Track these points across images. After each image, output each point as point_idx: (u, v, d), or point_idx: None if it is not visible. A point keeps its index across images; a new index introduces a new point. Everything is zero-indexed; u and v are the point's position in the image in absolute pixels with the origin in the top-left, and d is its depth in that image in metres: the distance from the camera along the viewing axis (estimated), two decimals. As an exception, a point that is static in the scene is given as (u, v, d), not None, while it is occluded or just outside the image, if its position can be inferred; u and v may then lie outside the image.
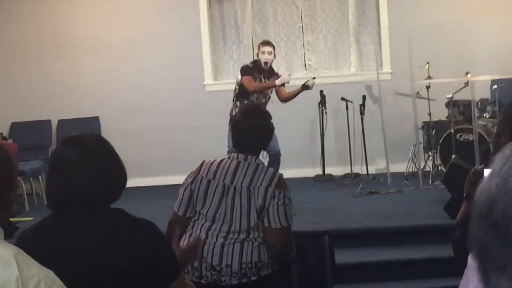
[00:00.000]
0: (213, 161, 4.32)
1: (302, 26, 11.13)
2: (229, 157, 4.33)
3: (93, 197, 2.72)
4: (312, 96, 10.30)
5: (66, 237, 2.72)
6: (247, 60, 10.82)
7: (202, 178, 4.24)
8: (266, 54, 8.48)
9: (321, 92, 10.28)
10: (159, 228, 2.91)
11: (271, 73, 8.59)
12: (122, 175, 2.84)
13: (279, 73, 8.81)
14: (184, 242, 4.18)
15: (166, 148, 10.94)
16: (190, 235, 4.20)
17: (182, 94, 10.61)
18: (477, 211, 1.10)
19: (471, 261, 2.05)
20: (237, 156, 4.28)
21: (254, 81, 8.45)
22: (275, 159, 8.31)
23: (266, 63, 8.48)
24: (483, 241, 1.09)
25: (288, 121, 10.71)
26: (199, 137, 10.59)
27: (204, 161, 4.35)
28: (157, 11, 11.07)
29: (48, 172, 2.90)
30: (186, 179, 4.32)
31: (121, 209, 2.83)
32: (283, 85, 8.55)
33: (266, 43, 8.73)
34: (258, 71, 8.52)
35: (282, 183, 4.26)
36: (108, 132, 10.82)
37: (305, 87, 8.57)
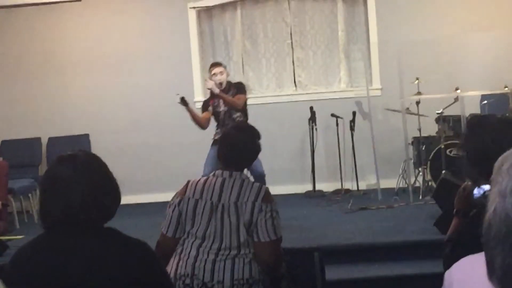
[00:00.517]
0: (198, 180, 4.31)
1: (292, 42, 11.16)
2: (213, 175, 4.32)
3: (87, 216, 2.71)
4: (302, 112, 10.34)
5: (60, 256, 2.71)
6: (237, 77, 10.86)
7: (189, 198, 4.23)
8: (218, 75, 8.37)
9: (311, 108, 10.30)
10: (152, 248, 2.90)
11: (228, 91, 8.39)
12: (116, 193, 2.84)
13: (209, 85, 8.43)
14: (174, 260, 4.17)
15: (156, 165, 10.93)
16: (181, 253, 4.19)
17: (172, 111, 10.58)
18: (494, 234, 1.10)
19: (448, 278, 2.05)
20: (222, 173, 4.28)
21: (213, 109, 8.41)
22: (259, 181, 8.21)
23: (220, 83, 8.40)
24: (507, 261, 1.08)
25: (278, 137, 10.75)
26: (189, 155, 10.56)
27: (189, 181, 4.34)
28: (147, 29, 11.09)
29: (41, 191, 2.87)
30: (172, 199, 4.30)
31: (115, 229, 2.82)
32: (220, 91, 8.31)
33: (215, 64, 8.59)
34: (216, 95, 8.42)
35: (269, 197, 4.27)
36: (98, 149, 10.79)
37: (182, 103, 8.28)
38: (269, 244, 4.18)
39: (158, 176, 10.81)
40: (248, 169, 8.02)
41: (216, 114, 8.44)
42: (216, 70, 8.42)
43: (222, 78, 8.38)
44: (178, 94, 8.27)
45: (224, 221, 4.15)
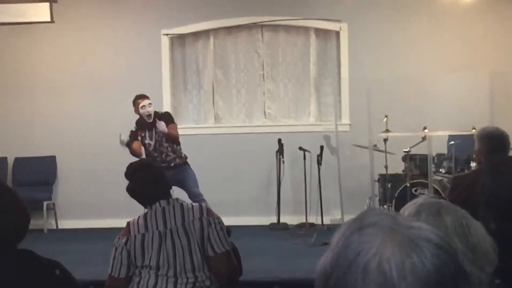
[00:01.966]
0: (138, 218, 4.30)
1: (263, 74, 11.17)
2: (151, 208, 4.29)
3: None
4: (270, 144, 10.33)
5: None
6: (207, 105, 10.85)
7: (135, 236, 4.19)
8: (147, 107, 8.46)
9: (279, 140, 10.30)
10: (66, 268, 2.87)
11: (153, 123, 8.45)
12: (25, 215, 2.81)
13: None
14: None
15: (123, 189, 10.80)
16: (138, 282, 4.14)
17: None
18: (316, 284, 1.20)
19: None
20: (159, 203, 4.26)
21: (143, 140, 8.50)
22: (196, 200, 8.11)
23: (149, 115, 8.45)
24: None
25: (245, 168, 10.73)
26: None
27: (129, 222, 4.31)
28: (119, 53, 11.06)
29: None
30: (117, 241, 4.24)
31: (29, 250, 2.79)
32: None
33: (142, 96, 8.63)
34: (144, 127, 8.48)
35: (211, 211, 4.32)
36: (64, 171, 10.75)
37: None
38: (225, 255, 4.20)
39: (126, 200, 10.66)
40: (184, 190, 8.18)
41: (143, 145, 8.52)
42: (145, 102, 8.52)
43: (151, 110, 8.49)
44: (120, 134, 8.46)
45: (176, 245, 4.14)
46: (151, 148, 8.47)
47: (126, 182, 10.65)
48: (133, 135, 8.52)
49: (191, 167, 8.66)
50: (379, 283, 1.09)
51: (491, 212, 3.07)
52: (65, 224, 10.64)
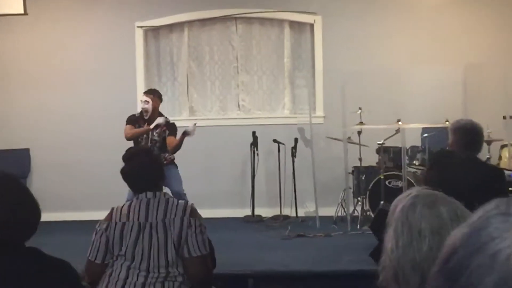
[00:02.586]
0: (123, 205, 4.29)
1: (238, 66, 11.16)
2: (137, 198, 4.28)
3: (7, 236, 2.64)
4: (244, 137, 10.33)
5: None
6: (181, 98, 10.84)
7: (116, 223, 4.19)
8: (143, 104, 8.49)
9: (254, 133, 10.31)
10: (74, 268, 2.85)
11: (151, 122, 8.44)
12: (36, 210, 2.78)
13: (161, 120, 8.49)
14: (103, 282, 4.11)
15: (98, 182, 10.79)
16: (110, 274, 4.13)
17: (115, 128, 10.48)
18: (441, 254, 1.13)
19: None
20: (146, 194, 4.26)
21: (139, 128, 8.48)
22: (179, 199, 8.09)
23: (146, 112, 8.46)
24: (435, 283, 1.12)
25: (219, 160, 10.73)
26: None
27: (113, 208, 4.30)
28: (93, 45, 11.00)
29: None
30: (99, 226, 4.24)
31: (36, 248, 2.76)
32: (164, 130, 8.45)
33: (145, 92, 8.71)
34: (143, 121, 8.49)
35: (196, 212, 4.28)
36: (38, 164, 10.68)
37: (185, 133, 8.29)
38: (200, 259, 4.17)
39: (100, 193, 10.64)
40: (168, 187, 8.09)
41: (137, 139, 8.47)
42: (142, 98, 8.56)
43: (146, 107, 8.48)
44: (195, 124, 8.49)
45: (152, 239, 4.13)
46: (143, 142, 8.42)
47: (100, 175, 10.67)
48: (133, 120, 8.51)
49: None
50: (502, 277, 1.04)
51: None
52: (39, 217, 10.55)
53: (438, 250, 2.24)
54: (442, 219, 2.26)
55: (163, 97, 8.85)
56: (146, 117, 8.46)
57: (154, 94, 8.61)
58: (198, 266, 4.17)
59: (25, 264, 2.69)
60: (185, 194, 8.31)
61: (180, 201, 4.35)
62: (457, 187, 2.51)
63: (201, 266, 4.18)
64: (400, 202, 2.30)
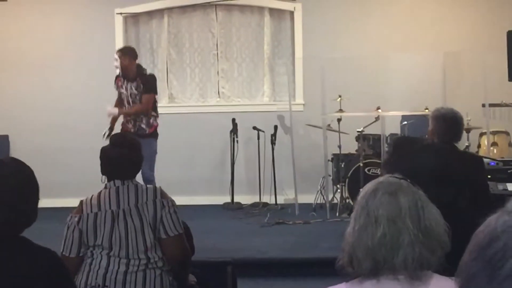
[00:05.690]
0: (91, 196, 4.26)
1: (217, 53, 11.14)
2: (105, 187, 4.27)
3: (12, 227, 2.66)
4: (224, 124, 10.33)
5: None
6: (161, 85, 10.80)
7: (88, 214, 4.16)
8: (115, 62, 8.36)
9: (233, 120, 10.30)
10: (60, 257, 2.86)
11: (134, 78, 8.27)
12: (37, 199, 2.81)
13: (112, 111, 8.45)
14: (84, 270, 4.09)
15: (77, 169, 10.74)
16: (91, 263, 4.11)
17: (94, 115, 10.44)
18: (476, 241, 1.11)
19: None
20: (114, 182, 4.23)
21: (117, 88, 8.45)
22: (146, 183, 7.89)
23: (117, 69, 8.37)
24: (471, 271, 1.10)
25: (199, 147, 10.72)
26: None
27: (82, 200, 4.27)
28: (72, 32, 10.94)
29: None
30: (70, 220, 4.20)
31: (25, 238, 2.76)
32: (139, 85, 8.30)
33: (119, 50, 8.60)
34: (122, 77, 8.35)
35: (165, 193, 4.28)
36: (17, 151, 10.61)
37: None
38: (177, 238, 4.18)
39: (80, 180, 10.57)
40: None
41: (119, 94, 8.43)
42: (115, 55, 8.39)
43: (116, 64, 8.32)
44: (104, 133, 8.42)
45: (128, 225, 4.12)
46: (124, 99, 8.35)
47: (78, 162, 10.57)
48: (115, 80, 8.47)
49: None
50: None
51: None
52: (17, 204, 10.49)
53: (391, 238, 2.25)
54: (399, 208, 2.27)
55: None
56: (120, 75, 8.37)
57: (122, 52, 8.46)
58: (176, 245, 4.18)
59: (13, 253, 2.70)
60: (153, 181, 7.95)
61: (148, 185, 4.35)
62: (414, 175, 2.52)
63: (179, 245, 4.19)
64: (366, 187, 2.35)
